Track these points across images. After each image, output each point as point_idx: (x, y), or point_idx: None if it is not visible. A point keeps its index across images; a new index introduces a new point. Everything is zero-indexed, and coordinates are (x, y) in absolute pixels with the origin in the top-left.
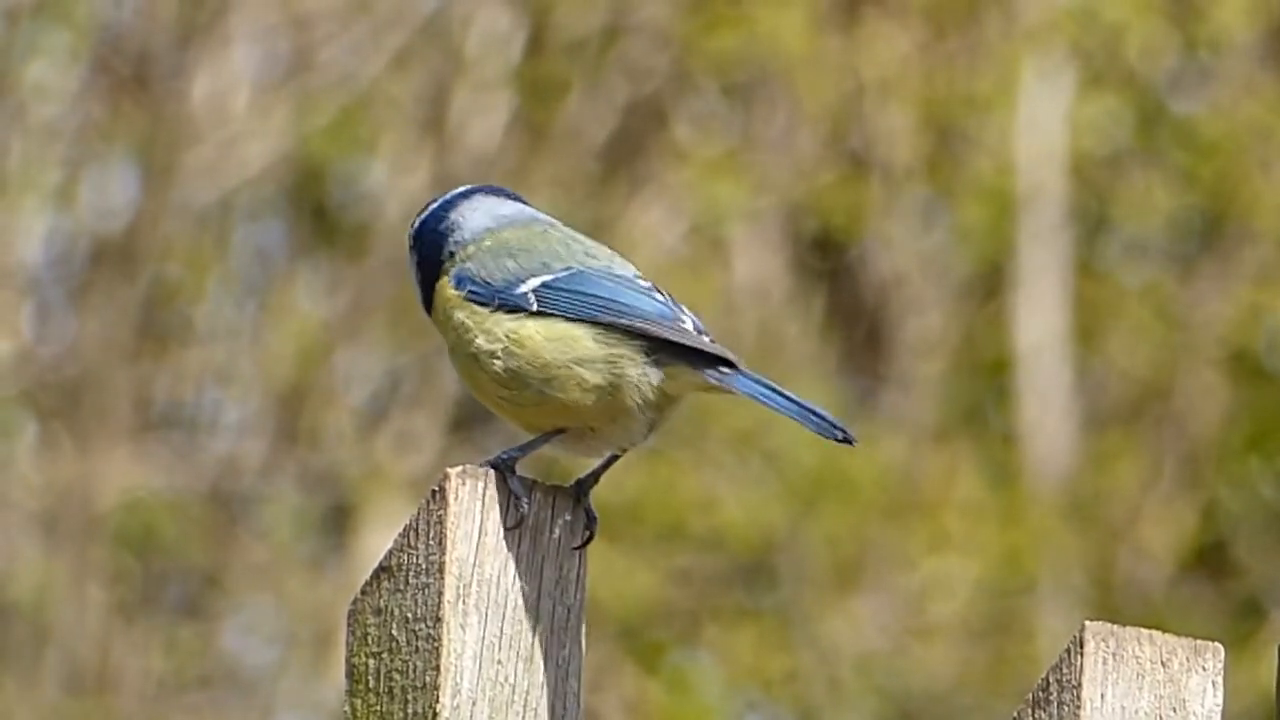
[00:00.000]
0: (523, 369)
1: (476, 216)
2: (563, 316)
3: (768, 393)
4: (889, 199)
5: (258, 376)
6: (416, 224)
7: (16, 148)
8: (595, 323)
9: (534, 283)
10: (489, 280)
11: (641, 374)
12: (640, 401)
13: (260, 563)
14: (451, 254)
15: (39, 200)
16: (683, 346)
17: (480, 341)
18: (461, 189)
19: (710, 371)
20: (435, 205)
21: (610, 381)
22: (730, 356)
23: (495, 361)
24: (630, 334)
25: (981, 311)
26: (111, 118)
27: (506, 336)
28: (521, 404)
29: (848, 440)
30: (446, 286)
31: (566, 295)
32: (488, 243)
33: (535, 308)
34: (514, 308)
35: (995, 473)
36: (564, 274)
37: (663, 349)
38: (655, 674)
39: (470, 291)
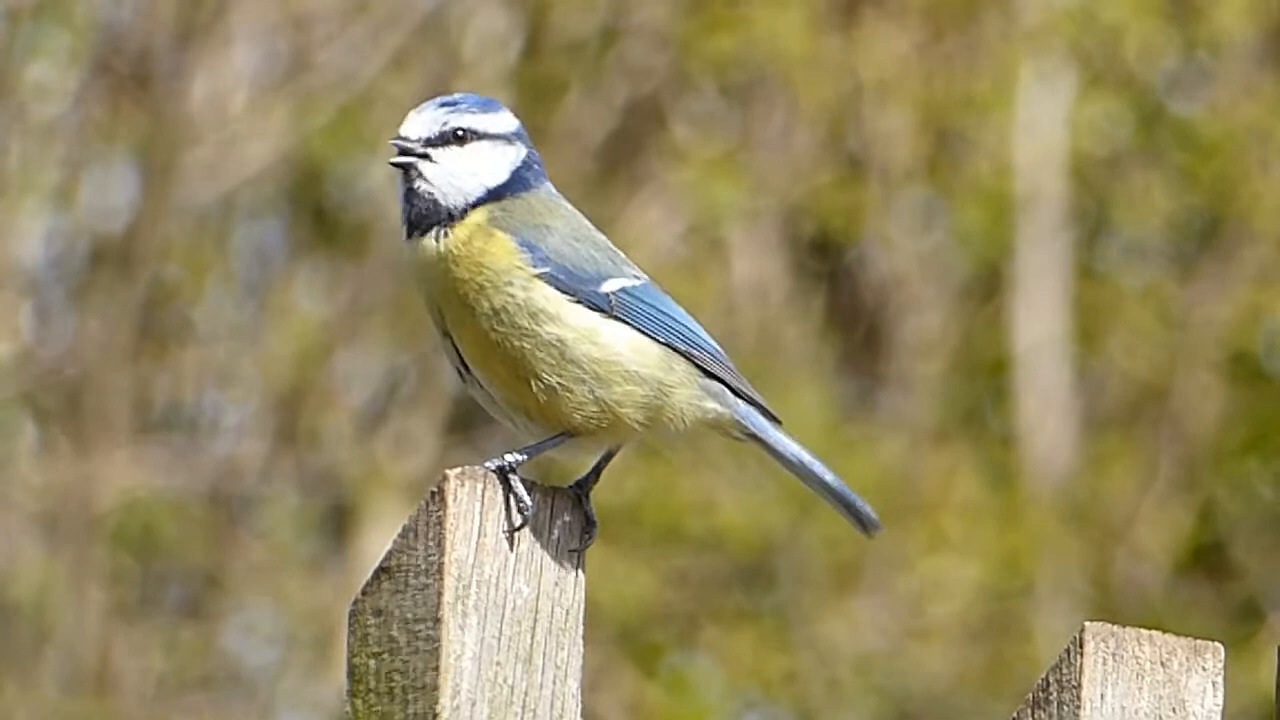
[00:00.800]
0: (587, 367)
1: (531, 165)
2: (635, 327)
3: (806, 458)
4: (888, 200)
5: (257, 377)
6: (523, 153)
7: (16, 148)
8: (668, 345)
9: (613, 285)
10: (570, 269)
11: (688, 402)
12: (675, 428)
13: (260, 563)
14: (497, 196)
15: (39, 200)
16: (726, 385)
17: (551, 328)
18: (484, 103)
19: (753, 420)
20: (529, 147)
21: (660, 404)
22: (775, 414)
23: (560, 349)
24: (690, 361)
25: (980, 313)
26: (111, 118)
27: (582, 330)
28: (561, 396)
29: (871, 530)
30: (507, 245)
31: (644, 308)
32: (524, 208)
33: (613, 311)
34: (594, 306)
35: (994, 474)
36: (639, 284)
37: (711, 383)
38: (654, 675)
39: (547, 273)
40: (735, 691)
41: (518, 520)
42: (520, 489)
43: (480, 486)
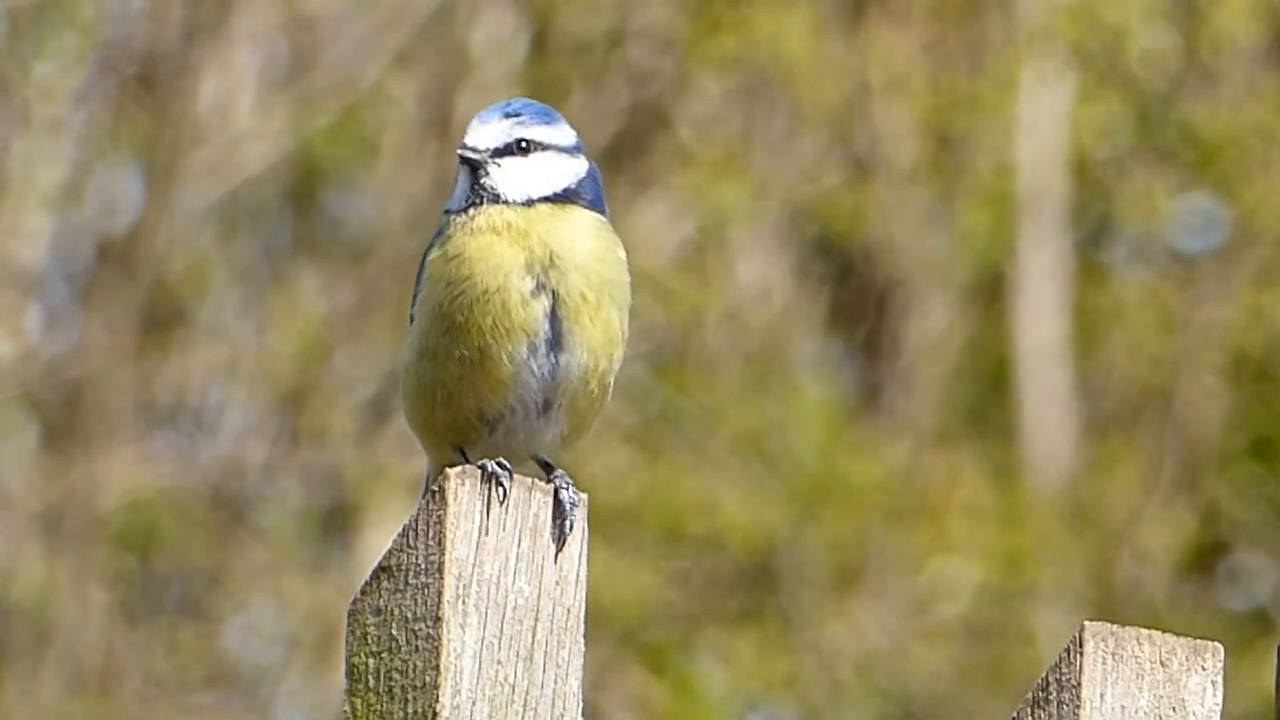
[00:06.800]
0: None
1: None
2: None
3: None
4: (892, 201)
5: (260, 376)
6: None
7: (21, 147)
8: None
9: None
10: None
11: None
12: None
13: (262, 563)
14: (565, 202)
15: (44, 200)
16: None
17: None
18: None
19: None
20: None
21: None
22: None
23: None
24: None
25: (984, 314)
26: (116, 118)
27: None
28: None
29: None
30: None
31: None
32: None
33: None
34: None
35: (997, 475)
36: None
37: None
38: (657, 676)
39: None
40: (738, 692)
41: (499, 495)
42: (492, 466)
43: (481, 485)
